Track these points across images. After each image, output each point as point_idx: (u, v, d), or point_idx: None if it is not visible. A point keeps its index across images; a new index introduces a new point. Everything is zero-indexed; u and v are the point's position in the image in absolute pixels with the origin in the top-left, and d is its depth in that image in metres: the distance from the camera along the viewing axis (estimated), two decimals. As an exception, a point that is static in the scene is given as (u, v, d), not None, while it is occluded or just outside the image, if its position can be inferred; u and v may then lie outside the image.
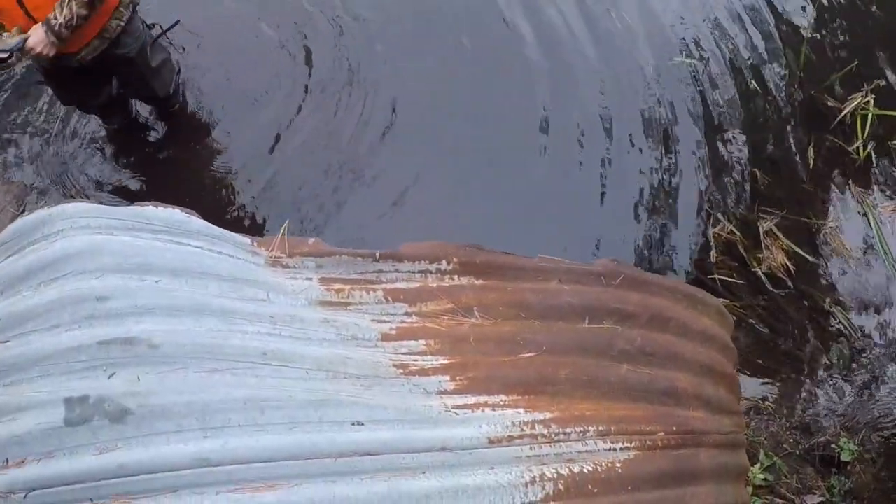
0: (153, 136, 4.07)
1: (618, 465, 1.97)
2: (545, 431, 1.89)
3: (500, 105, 4.15)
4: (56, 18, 2.95)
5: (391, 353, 1.84)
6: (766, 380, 3.72)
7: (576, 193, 3.93)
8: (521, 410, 1.90)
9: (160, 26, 3.57)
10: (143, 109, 4.05)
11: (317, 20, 4.41)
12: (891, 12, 4.68)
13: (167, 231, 1.83)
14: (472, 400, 1.85)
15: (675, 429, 2.13)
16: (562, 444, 1.90)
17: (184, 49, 3.84)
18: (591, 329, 2.08)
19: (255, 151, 4.00)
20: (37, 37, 3.00)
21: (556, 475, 1.86)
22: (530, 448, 1.86)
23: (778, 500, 3.44)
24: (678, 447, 2.14)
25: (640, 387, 2.13)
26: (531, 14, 4.47)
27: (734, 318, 3.56)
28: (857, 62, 4.38)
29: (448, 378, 1.85)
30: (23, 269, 1.81)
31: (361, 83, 4.20)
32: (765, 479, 3.44)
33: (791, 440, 3.59)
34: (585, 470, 1.90)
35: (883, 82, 4.32)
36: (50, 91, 3.92)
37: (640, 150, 4.09)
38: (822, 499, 3.48)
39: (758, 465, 3.43)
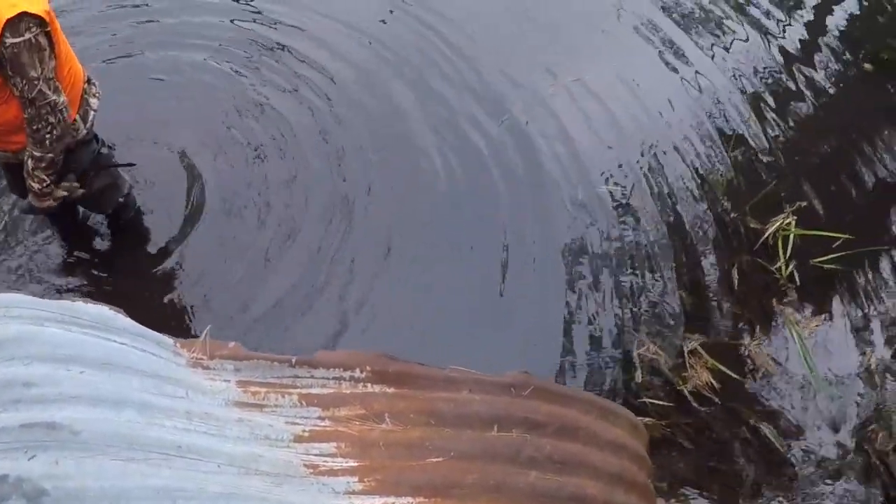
0: (97, 240, 4.13)
1: (523, 570, 2.04)
2: (450, 533, 1.95)
3: (426, 227, 4.32)
4: (32, 188, 3.19)
5: (302, 454, 1.91)
6: (694, 497, 3.74)
7: (496, 317, 4.03)
8: (428, 512, 1.97)
9: (114, 157, 3.55)
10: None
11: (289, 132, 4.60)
12: (810, 139, 4.94)
13: (95, 326, 1.92)
14: (378, 501, 1.91)
15: (583, 534, 2.21)
16: (467, 545, 1.97)
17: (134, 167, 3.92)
18: (499, 437, 2.16)
19: (197, 261, 4.08)
20: (35, 202, 3.26)
21: (460, 577, 1.92)
22: (436, 549, 1.92)
23: None
24: (588, 553, 2.21)
25: (549, 493, 2.20)
26: (457, 140, 4.67)
27: (660, 436, 3.65)
28: (774, 183, 4.59)
29: (356, 479, 1.92)
30: (-45, 353, 1.86)
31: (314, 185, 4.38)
32: None
33: (720, 557, 3.60)
34: (490, 572, 1.97)
35: (804, 203, 4.52)
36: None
37: (563, 274, 4.23)
38: None
39: (682, 580, 3.45)
